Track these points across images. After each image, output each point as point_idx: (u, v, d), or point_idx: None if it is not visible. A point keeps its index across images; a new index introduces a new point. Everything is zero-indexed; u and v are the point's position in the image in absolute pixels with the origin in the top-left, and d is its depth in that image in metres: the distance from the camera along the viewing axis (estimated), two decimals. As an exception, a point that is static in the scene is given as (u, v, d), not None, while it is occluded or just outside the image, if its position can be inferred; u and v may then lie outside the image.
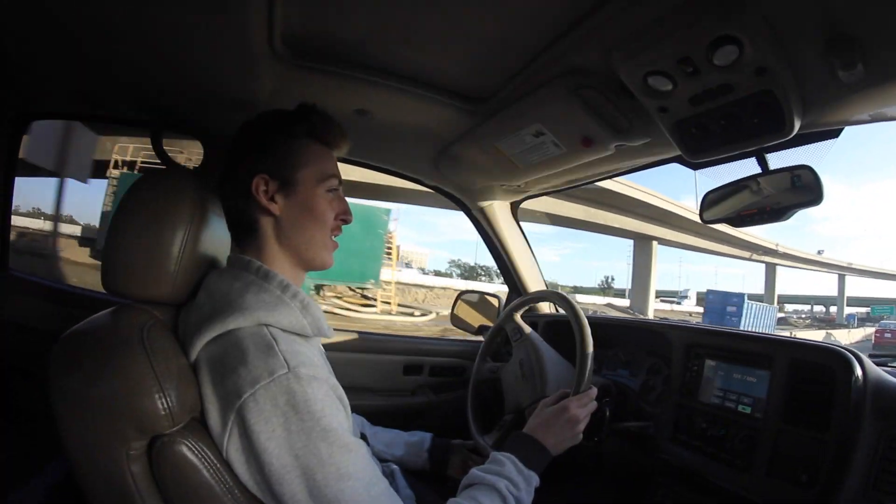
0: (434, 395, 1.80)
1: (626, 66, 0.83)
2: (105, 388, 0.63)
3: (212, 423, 0.69)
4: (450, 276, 42.88)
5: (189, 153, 8.08)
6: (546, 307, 1.87)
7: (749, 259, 34.93)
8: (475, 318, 1.95)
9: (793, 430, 0.96)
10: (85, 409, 0.64)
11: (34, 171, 3.25)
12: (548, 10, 0.80)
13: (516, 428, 1.01)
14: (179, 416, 0.66)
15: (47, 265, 8.57)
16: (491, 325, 1.71)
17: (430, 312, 15.52)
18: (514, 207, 1.83)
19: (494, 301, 1.94)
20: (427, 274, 34.88)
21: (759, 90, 0.80)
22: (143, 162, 11.36)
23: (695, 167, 1.13)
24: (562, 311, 1.18)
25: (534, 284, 1.91)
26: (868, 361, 0.93)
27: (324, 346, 0.93)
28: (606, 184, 15.50)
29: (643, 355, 1.42)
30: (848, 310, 46.50)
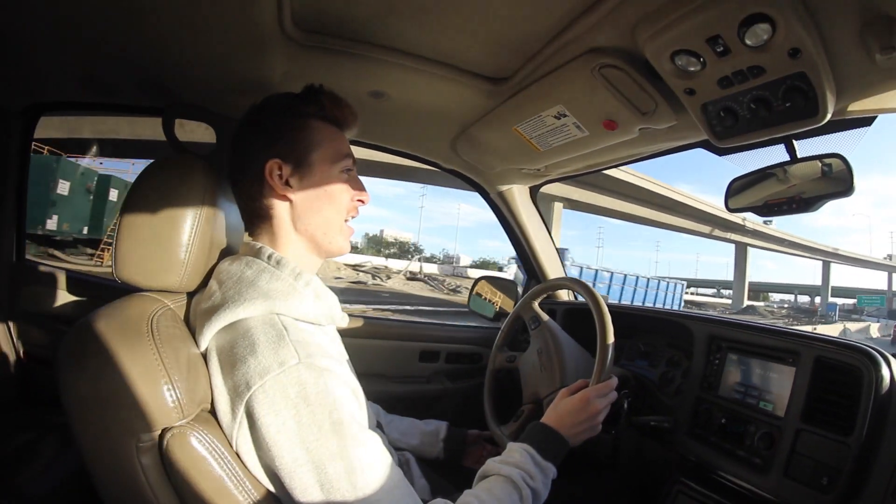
0: (450, 383, 1.79)
1: (652, 45, 0.79)
2: (113, 380, 0.63)
3: (221, 414, 0.68)
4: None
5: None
6: (564, 294, 1.84)
7: (709, 236, 31.93)
8: (492, 305, 1.93)
9: (815, 431, 0.92)
10: (93, 401, 0.63)
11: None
12: None
13: (535, 418, 0.99)
14: (189, 407, 0.65)
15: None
16: (509, 311, 1.69)
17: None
18: (534, 192, 1.79)
19: (513, 287, 1.92)
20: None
21: (791, 73, 0.75)
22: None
23: (721, 153, 1.08)
24: (581, 299, 1.15)
25: (553, 271, 1.87)
26: None
27: (339, 331, 0.92)
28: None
29: (663, 346, 1.40)
30: (832, 300, 44.91)
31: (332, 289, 0.86)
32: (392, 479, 0.71)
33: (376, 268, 28.10)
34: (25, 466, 1.00)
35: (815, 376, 0.96)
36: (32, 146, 1.42)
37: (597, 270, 22.86)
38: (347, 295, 16.28)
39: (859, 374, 0.89)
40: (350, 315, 0.91)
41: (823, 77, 0.75)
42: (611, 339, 1.05)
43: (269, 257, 0.80)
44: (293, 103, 0.85)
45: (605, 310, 1.08)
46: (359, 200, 0.88)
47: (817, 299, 52.58)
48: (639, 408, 1.24)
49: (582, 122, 1.10)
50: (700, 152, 1.18)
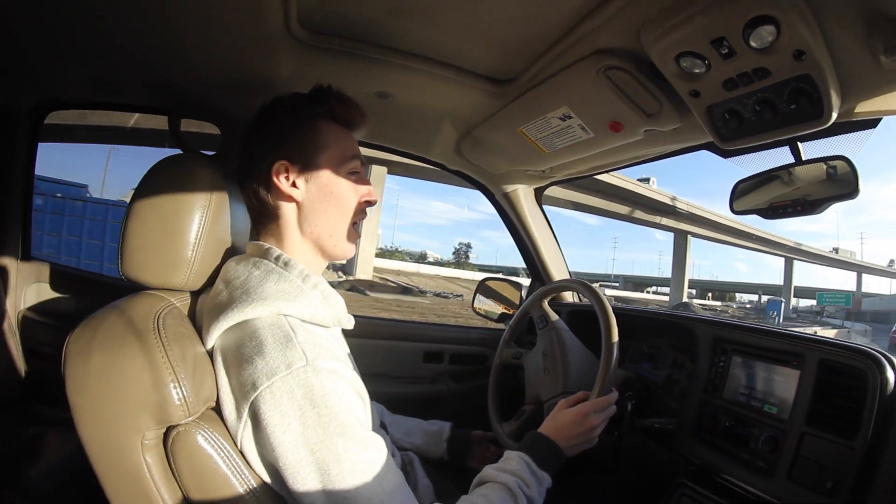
0: (454, 384, 1.78)
1: (657, 47, 0.79)
2: (118, 378, 0.63)
3: (227, 413, 0.69)
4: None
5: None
6: (569, 296, 1.84)
7: (629, 218, 26.77)
8: (497, 306, 1.93)
9: (819, 434, 0.91)
10: (99, 398, 0.63)
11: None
12: None
13: (535, 420, 0.99)
14: (195, 405, 0.65)
15: None
16: (512, 314, 1.68)
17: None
18: (539, 193, 1.80)
19: (517, 289, 1.91)
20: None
21: (796, 75, 0.75)
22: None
23: (726, 155, 1.09)
24: (585, 301, 1.15)
25: (558, 273, 1.87)
26: None
27: (343, 331, 0.92)
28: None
29: (667, 349, 1.39)
30: (775, 298, 35.90)
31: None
32: (393, 483, 0.71)
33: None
34: (32, 463, 1.00)
35: (820, 379, 0.95)
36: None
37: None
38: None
39: (864, 377, 0.89)
40: (355, 315, 0.91)
41: (828, 79, 0.75)
42: (615, 351, 1.05)
43: (277, 258, 0.80)
44: (301, 104, 0.85)
45: (611, 313, 1.08)
46: (366, 202, 0.88)
47: (765, 298, 48.41)
48: (643, 410, 1.23)
49: (587, 124, 1.10)
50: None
